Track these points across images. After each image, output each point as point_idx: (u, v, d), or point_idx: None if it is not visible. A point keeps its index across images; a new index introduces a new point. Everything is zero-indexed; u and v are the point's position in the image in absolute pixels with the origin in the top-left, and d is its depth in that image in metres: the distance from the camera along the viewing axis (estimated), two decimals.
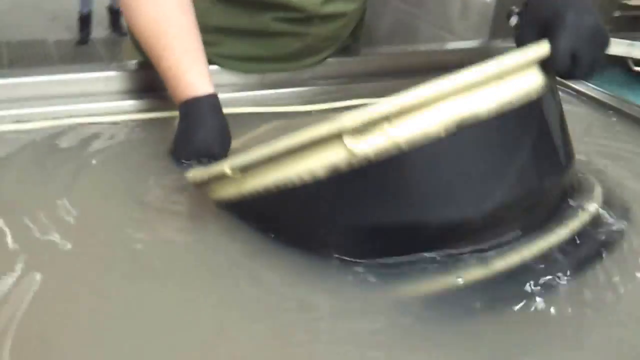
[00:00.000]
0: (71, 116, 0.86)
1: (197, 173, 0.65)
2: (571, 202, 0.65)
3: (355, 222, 0.57)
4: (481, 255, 0.59)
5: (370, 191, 0.55)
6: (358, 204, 0.56)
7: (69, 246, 0.62)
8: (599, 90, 1.07)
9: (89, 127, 0.85)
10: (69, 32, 4.84)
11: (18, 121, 0.84)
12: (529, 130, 0.59)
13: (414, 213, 0.56)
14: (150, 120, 0.89)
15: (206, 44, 0.82)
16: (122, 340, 0.51)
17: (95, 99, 0.89)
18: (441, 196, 0.56)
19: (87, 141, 0.82)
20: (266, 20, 0.93)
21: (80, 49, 4.62)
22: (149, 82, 0.90)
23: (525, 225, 0.61)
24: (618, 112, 1.01)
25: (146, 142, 0.84)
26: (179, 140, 0.78)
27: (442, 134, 0.54)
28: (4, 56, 4.51)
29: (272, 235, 0.63)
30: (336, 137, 0.53)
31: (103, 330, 0.52)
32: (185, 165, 0.76)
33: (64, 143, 0.81)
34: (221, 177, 0.62)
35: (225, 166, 0.60)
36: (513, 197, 0.58)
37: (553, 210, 0.64)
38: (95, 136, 0.84)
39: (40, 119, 0.85)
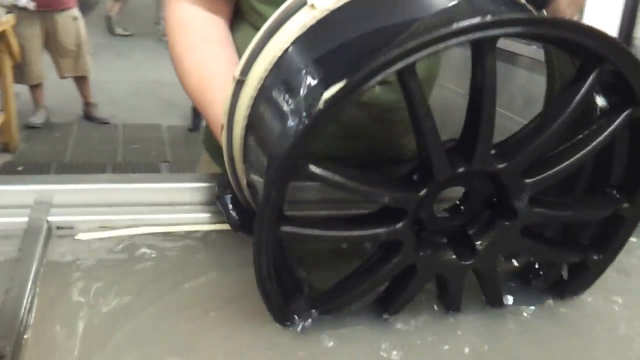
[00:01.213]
0: (153, 224, 0.89)
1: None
2: None
3: (341, 53, 0.64)
4: None
5: (339, 30, 0.65)
6: (337, 41, 0.65)
7: None
8: None
9: (168, 236, 0.88)
10: (182, 119, 5.12)
11: (102, 227, 0.88)
12: None
13: (377, 24, 0.64)
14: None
15: None
16: None
17: (175, 209, 0.92)
18: (399, 8, 0.65)
19: (170, 250, 0.85)
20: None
21: (190, 136, 4.86)
22: None
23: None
24: None
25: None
26: None
27: None
28: (119, 136, 4.81)
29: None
30: (302, 4, 0.66)
31: None
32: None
33: (144, 249, 0.84)
34: (236, 98, 0.70)
35: (233, 76, 0.70)
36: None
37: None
38: (176, 245, 0.86)
39: (123, 226, 0.88)
